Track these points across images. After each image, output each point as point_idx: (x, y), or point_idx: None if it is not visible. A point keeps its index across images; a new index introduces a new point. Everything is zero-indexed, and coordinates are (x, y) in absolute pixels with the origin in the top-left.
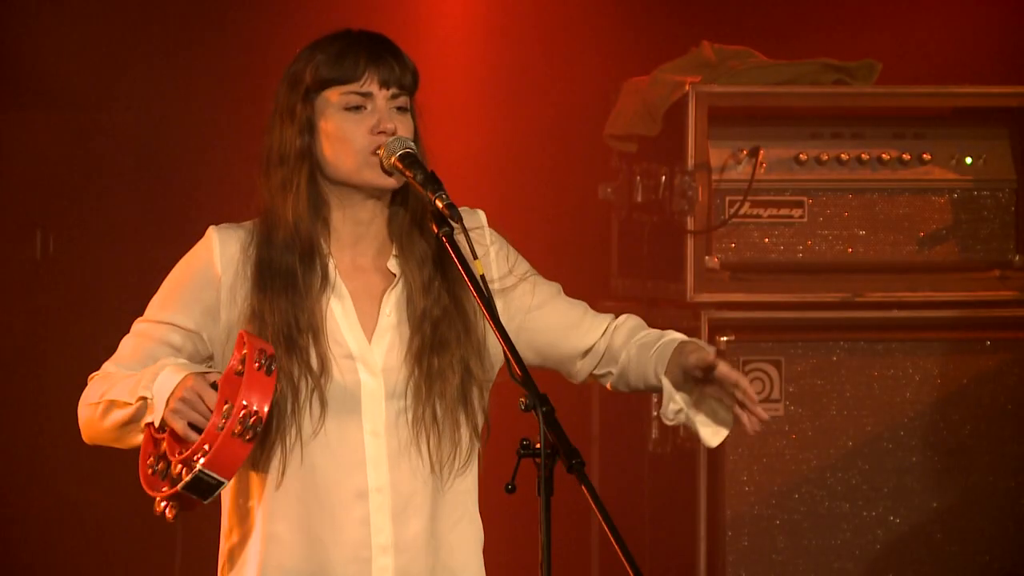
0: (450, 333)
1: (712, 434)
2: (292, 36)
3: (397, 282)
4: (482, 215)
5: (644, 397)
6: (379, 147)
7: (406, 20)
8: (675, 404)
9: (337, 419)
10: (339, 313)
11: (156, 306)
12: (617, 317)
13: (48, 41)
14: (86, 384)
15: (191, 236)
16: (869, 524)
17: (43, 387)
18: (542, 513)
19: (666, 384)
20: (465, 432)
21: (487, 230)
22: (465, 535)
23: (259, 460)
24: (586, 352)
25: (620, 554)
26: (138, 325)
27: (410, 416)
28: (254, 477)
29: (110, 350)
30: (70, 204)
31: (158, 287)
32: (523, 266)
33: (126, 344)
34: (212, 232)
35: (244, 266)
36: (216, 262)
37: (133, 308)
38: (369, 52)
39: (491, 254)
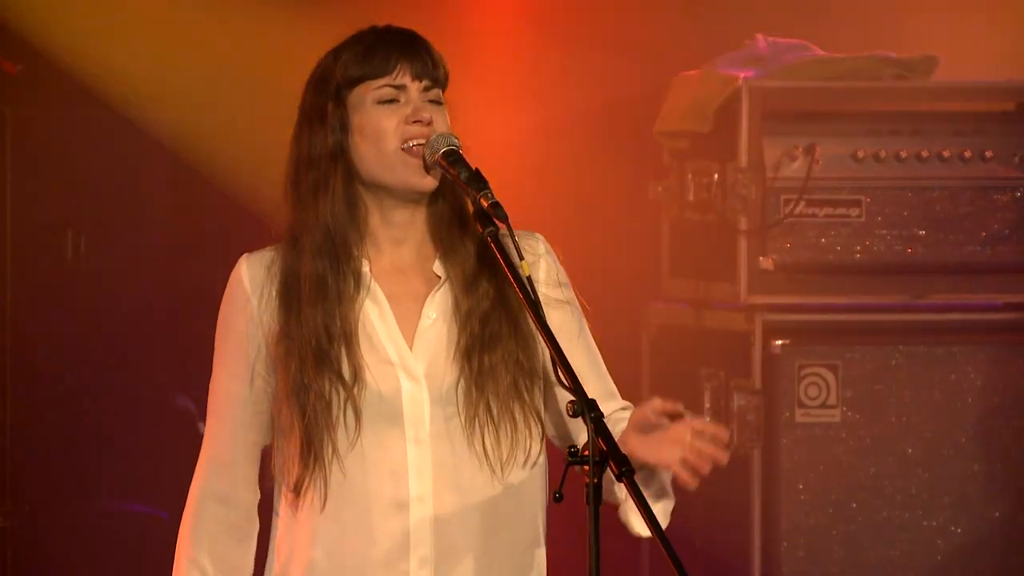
0: (500, 329)
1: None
2: (329, 34)
3: (442, 284)
4: (541, 241)
5: (697, 402)
6: (414, 140)
7: (447, 10)
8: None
9: (374, 428)
10: (376, 317)
11: (221, 366)
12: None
13: (83, 39)
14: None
15: (225, 239)
16: (929, 535)
17: (73, 391)
18: (591, 523)
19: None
20: (524, 428)
21: (543, 258)
22: (522, 554)
23: (300, 483)
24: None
25: (672, 565)
26: (213, 406)
27: (463, 419)
28: (297, 503)
29: (142, 355)
30: (103, 204)
31: (190, 292)
32: (570, 293)
33: (213, 441)
34: (242, 261)
35: (269, 286)
36: (248, 290)
37: (165, 311)
38: (400, 46)
39: (540, 269)
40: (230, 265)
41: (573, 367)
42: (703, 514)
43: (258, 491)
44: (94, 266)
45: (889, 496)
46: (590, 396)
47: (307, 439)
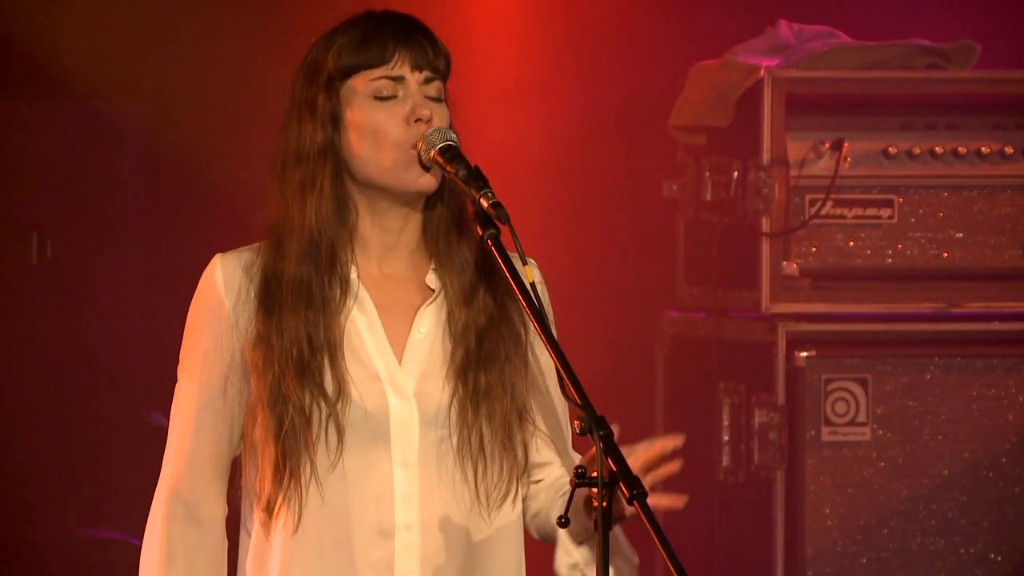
0: (498, 346)
1: None
2: (313, 25)
3: (436, 297)
4: (534, 267)
5: (715, 420)
6: (418, 141)
7: (451, 1)
8: (569, 558)
9: (360, 449)
10: (364, 328)
11: (186, 374)
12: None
13: (49, 27)
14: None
15: (201, 240)
16: (967, 562)
17: (37, 407)
18: (600, 550)
19: (561, 535)
20: (513, 461)
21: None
22: None
23: (272, 501)
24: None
25: None
26: (179, 418)
27: (454, 441)
28: (270, 523)
29: (112, 368)
30: (70, 204)
31: (165, 300)
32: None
33: (178, 456)
34: (215, 260)
35: (247, 287)
36: (222, 292)
37: (138, 321)
38: (397, 32)
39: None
40: None
41: (550, 406)
42: (722, 540)
43: (226, 506)
44: (61, 271)
45: (923, 521)
46: (553, 446)
47: (282, 454)
